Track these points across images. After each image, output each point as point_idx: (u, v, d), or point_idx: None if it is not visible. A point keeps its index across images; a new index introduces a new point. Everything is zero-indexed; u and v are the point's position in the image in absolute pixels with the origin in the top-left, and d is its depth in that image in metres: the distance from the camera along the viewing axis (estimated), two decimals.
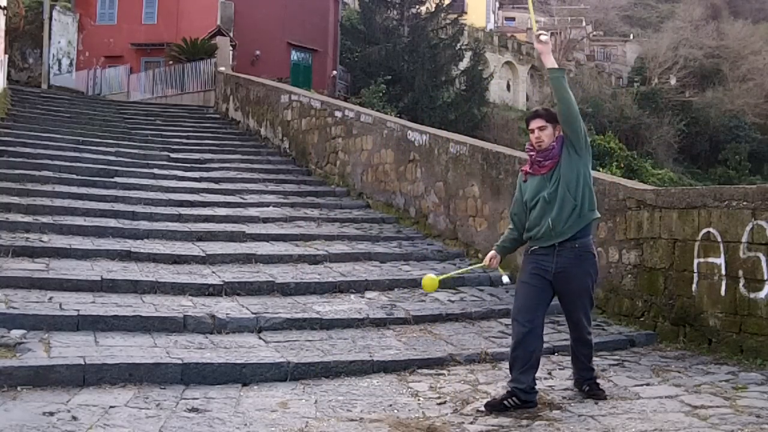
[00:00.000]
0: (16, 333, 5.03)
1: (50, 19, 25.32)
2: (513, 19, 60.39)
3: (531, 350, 4.43)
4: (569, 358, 5.76)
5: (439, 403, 4.57)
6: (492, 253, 4.86)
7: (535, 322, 4.47)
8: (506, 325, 6.28)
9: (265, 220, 9.88)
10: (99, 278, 6.41)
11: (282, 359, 5.09)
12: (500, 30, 52.96)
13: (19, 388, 4.32)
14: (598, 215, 4.68)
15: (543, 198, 4.51)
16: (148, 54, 28.88)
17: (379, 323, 6.31)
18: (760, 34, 48.55)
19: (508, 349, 4.59)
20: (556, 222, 4.46)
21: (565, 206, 4.46)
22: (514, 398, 4.36)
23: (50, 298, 5.84)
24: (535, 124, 4.59)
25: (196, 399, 4.46)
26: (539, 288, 4.52)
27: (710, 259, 6.10)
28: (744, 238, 5.82)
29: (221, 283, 6.79)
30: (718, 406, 4.44)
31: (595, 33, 56.05)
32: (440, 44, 32.63)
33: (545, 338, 6.12)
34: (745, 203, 5.85)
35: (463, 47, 34.12)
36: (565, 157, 4.50)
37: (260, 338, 5.67)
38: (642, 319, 6.71)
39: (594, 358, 5.76)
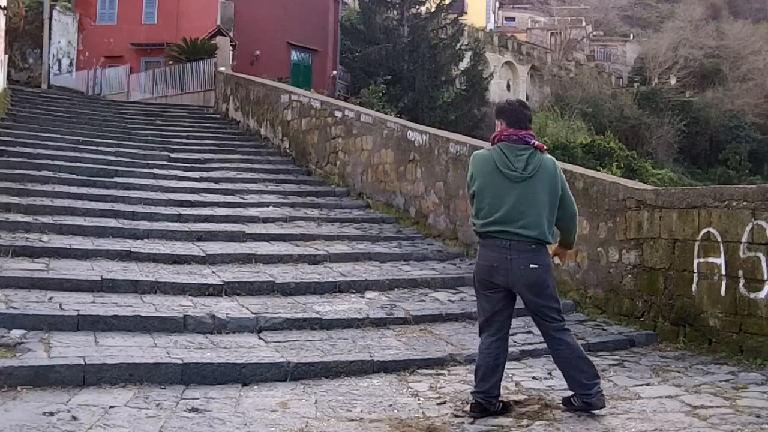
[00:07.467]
0: (16, 333, 5.03)
1: (50, 19, 25.31)
2: (513, 19, 60.37)
3: None
4: None
5: (439, 403, 4.57)
6: None
7: None
8: None
9: (265, 220, 9.88)
10: (99, 278, 6.41)
11: (282, 359, 5.09)
12: (500, 30, 52.95)
13: (19, 388, 4.32)
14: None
15: None
16: (148, 54, 28.87)
17: (379, 323, 6.31)
18: (760, 34, 48.55)
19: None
20: None
21: None
22: None
23: (50, 298, 5.84)
24: None
25: (196, 399, 4.46)
26: None
27: (710, 259, 6.10)
28: (744, 238, 5.82)
29: (221, 283, 6.79)
30: (718, 406, 4.44)
31: (595, 33, 56.00)
32: (440, 44, 32.62)
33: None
34: (745, 203, 5.85)
35: (463, 47, 34.13)
36: None
37: (260, 338, 5.67)
38: (642, 319, 6.71)
39: (594, 358, 5.78)
